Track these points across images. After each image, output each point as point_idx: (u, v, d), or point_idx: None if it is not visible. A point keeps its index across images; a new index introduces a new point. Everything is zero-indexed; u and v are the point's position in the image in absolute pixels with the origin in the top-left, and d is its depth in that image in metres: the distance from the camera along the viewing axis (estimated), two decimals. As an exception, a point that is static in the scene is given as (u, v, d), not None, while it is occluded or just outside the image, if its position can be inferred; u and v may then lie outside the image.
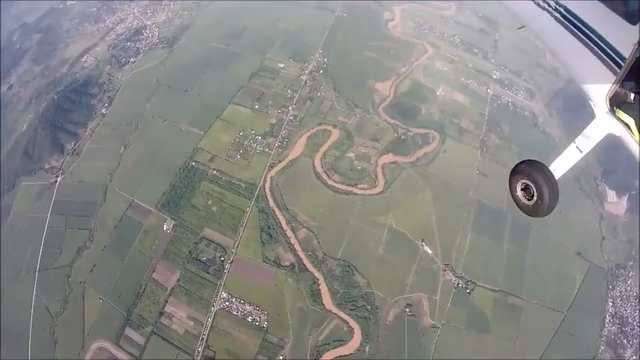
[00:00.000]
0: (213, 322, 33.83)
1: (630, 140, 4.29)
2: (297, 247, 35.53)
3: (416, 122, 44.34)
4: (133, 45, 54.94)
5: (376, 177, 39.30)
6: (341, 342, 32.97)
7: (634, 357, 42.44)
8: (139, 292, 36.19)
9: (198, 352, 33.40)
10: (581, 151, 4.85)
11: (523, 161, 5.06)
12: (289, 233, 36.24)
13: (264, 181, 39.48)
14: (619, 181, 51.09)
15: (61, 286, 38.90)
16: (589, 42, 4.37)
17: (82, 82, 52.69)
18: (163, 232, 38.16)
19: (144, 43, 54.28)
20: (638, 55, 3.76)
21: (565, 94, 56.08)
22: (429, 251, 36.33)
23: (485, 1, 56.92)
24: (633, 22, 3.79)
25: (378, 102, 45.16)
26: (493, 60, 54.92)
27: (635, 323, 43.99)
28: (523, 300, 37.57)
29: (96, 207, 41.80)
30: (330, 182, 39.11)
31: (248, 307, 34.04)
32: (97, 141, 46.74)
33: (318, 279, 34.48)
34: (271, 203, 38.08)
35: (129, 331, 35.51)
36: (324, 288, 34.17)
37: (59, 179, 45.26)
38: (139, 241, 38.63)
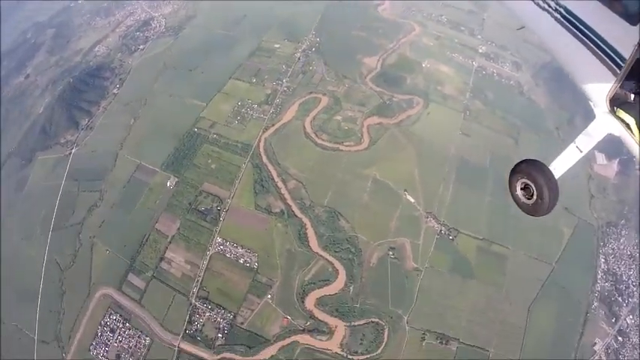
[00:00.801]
0: (208, 264, 39.42)
1: (630, 140, 4.54)
2: (286, 196, 41.65)
3: (401, 90, 51.11)
4: (141, 34, 65.67)
5: (362, 136, 45.77)
6: (326, 282, 37.85)
7: (630, 316, 44.30)
8: (142, 242, 42.51)
9: (193, 293, 38.82)
10: (581, 151, 5.11)
11: (523, 161, 5.34)
12: (280, 184, 42.47)
13: (259, 141, 46.50)
14: (608, 145, 54.71)
15: (72, 243, 45.91)
16: (589, 42, 4.61)
17: (96, 67, 63.23)
18: (167, 189, 45.15)
19: (152, 32, 64.99)
20: (638, 56, 3.98)
21: (552, 67, 61.47)
22: (412, 200, 41.43)
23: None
24: (633, 23, 4.01)
25: (365, 73, 52.62)
26: (479, 36, 62.00)
27: (630, 282, 46.18)
28: (508, 249, 41.52)
29: (106, 172, 49.65)
30: (318, 141, 45.82)
31: (240, 250, 39.65)
32: (109, 116, 55.71)
33: (305, 224, 40.16)
34: (264, 160, 44.76)
35: (131, 277, 41.58)
36: (310, 232, 39.67)
37: (73, 151, 53.86)
38: (145, 197, 45.67)
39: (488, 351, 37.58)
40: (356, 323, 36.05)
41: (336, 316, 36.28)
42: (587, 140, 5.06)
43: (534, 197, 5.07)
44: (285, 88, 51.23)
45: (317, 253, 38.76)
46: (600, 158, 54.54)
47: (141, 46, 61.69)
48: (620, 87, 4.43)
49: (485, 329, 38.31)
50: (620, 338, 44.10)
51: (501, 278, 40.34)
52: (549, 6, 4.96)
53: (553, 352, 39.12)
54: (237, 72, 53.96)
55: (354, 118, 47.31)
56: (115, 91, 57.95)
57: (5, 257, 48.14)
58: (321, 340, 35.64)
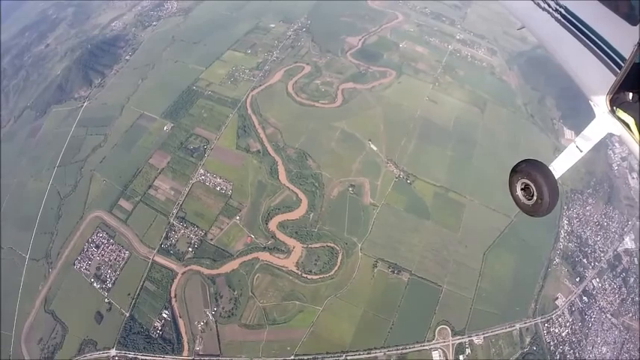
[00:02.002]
0: (189, 191, 49.21)
1: (630, 140, 4.87)
2: (264, 139, 52.85)
3: (377, 63, 63.64)
4: (155, 13, 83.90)
5: (336, 96, 57.61)
6: (289, 209, 47.33)
7: (597, 279, 49.43)
8: (135, 174, 53.39)
9: (173, 214, 48.37)
10: (581, 151, 5.48)
11: (523, 161, 5.71)
12: (260, 130, 53.76)
13: (247, 97, 58.70)
14: (580, 124, 62.89)
15: (74, 175, 57.75)
16: (589, 42, 4.97)
17: (112, 37, 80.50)
18: (163, 132, 57.35)
19: (164, 12, 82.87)
20: (638, 56, 4.24)
21: (529, 55, 72.44)
22: (374, 148, 51.29)
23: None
24: (633, 23, 4.27)
25: (346, 49, 66.35)
26: (459, 26, 75.18)
27: (596, 247, 51.82)
28: (465, 198, 49.51)
29: (113, 120, 62.28)
30: (297, 99, 58.00)
31: (218, 180, 49.99)
32: (120, 77, 70.57)
33: (277, 161, 50.78)
34: (249, 111, 56.78)
35: (121, 202, 52.05)
36: (281, 168, 49.98)
37: (85, 104, 67.60)
38: (143, 139, 57.86)
39: (441, 286, 44.40)
40: (312, 246, 44.63)
41: (294, 238, 45.18)
42: (586, 140, 5.48)
43: (534, 197, 5.47)
44: (275, 58, 65.21)
45: (284, 184, 48.94)
46: (569, 134, 63.00)
47: (154, 23, 79.71)
48: (620, 86, 4.75)
49: (438, 266, 45.58)
50: (585, 299, 49.69)
51: (457, 223, 48.39)
52: (549, 6, 5.43)
53: (510, 298, 45.72)
54: (235, 45, 68.84)
55: (331, 82, 59.69)
56: (127, 57, 74.28)
57: (11, 193, 60.09)
58: (279, 257, 44.09)
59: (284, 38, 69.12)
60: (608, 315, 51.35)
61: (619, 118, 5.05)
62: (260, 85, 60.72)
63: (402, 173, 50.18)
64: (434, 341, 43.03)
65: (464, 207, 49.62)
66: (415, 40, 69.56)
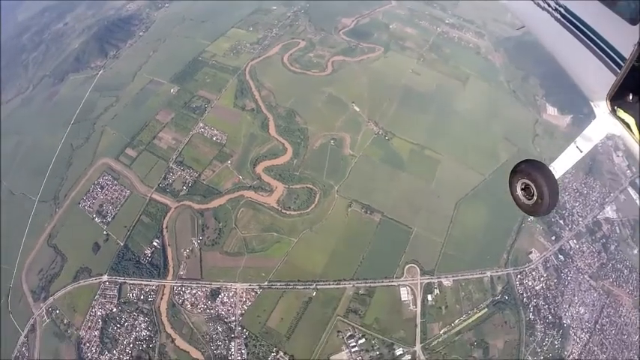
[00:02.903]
0: (189, 140, 58.09)
1: (630, 140, 5.17)
2: (258, 99, 62.96)
3: (367, 41, 73.02)
4: None
5: (326, 66, 67.86)
6: (276, 156, 55.93)
7: (575, 241, 54.34)
8: (142, 127, 63.23)
9: (172, 159, 57.28)
10: (581, 151, 5.88)
11: (523, 161, 6.16)
12: (255, 92, 63.86)
13: (246, 66, 68.92)
14: (563, 101, 69.29)
15: (87, 130, 68.13)
16: (589, 42, 5.29)
17: (127, 16, 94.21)
18: (170, 94, 68.54)
19: None
20: (638, 55, 4.48)
21: (517, 40, 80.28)
22: (357, 109, 59.74)
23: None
24: (633, 23, 4.55)
25: (340, 28, 76.98)
26: (449, 12, 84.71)
27: (574, 211, 56.88)
28: (441, 155, 56.73)
29: (125, 85, 73.27)
30: (291, 68, 68.77)
31: (215, 132, 59.63)
32: (133, 50, 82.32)
33: (268, 117, 60.28)
34: (247, 77, 67.40)
35: (128, 150, 61.56)
36: (271, 123, 59.34)
37: (100, 72, 79.23)
38: (151, 100, 68.40)
39: (411, 228, 50.98)
40: (293, 186, 52.91)
41: (278, 180, 53.84)
42: (587, 140, 5.85)
43: (534, 197, 5.84)
44: (274, 35, 76.86)
45: (273, 136, 58.33)
46: (551, 110, 69.38)
47: (166, 5, 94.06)
48: (620, 86, 5.01)
49: (410, 211, 52.80)
50: (562, 257, 54.57)
51: (431, 176, 56.10)
52: (549, 6, 5.76)
53: (481, 247, 52.18)
54: (239, 23, 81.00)
55: (323, 55, 70.33)
56: (140, 34, 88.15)
57: (27, 147, 70.74)
58: (262, 195, 52.52)
59: (283, 18, 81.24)
60: (586, 276, 56.24)
61: (619, 118, 5.39)
62: (259, 57, 72.09)
63: (381, 131, 58.92)
64: (402, 278, 49.19)
65: (438, 163, 57.27)
66: (405, 22, 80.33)
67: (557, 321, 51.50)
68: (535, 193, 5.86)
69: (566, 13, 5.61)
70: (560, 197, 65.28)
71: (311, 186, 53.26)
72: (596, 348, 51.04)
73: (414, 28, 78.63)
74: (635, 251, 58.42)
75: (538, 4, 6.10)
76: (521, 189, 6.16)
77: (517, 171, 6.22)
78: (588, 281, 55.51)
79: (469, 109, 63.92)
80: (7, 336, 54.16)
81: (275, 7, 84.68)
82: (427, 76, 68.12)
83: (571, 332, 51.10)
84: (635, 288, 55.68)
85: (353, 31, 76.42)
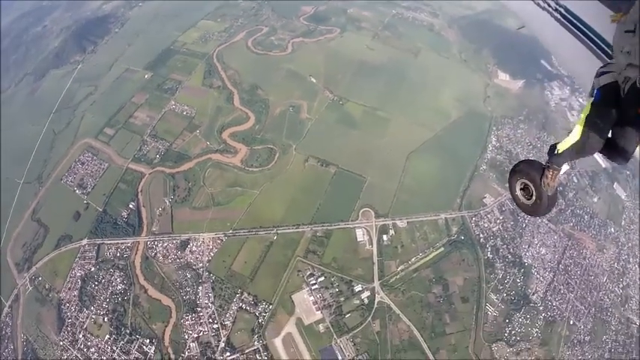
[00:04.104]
0: (161, 117, 67.65)
1: None
2: (224, 78, 74.73)
3: (325, 24, 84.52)
4: None
5: (286, 47, 79.61)
6: (240, 123, 65.66)
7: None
8: (119, 109, 72.97)
9: (147, 133, 66.58)
10: None
11: (522, 161, 6.50)
12: (222, 72, 75.20)
13: (213, 52, 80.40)
14: (515, 69, 79.84)
15: (68, 117, 77.69)
16: (589, 42, 5.60)
17: (103, 15, 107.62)
18: (144, 79, 79.39)
19: None
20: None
21: (471, 19, 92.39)
22: (314, 81, 70.37)
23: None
24: None
25: (300, 15, 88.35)
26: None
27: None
28: (392, 114, 66.73)
29: (103, 75, 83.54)
30: (254, 50, 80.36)
31: (185, 107, 70.85)
32: (110, 44, 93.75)
33: (233, 92, 71.74)
34: (215, 61, 78.31)
35: (106, 129, 70.91)
36: (236, 97, 70.57)
37: (79, 66, 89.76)
38: (127, 85, 78.76)
39: (365, 178, 60.26)
40: (255, 147, 62.89)
41: (242, 143, 64.16)
42: None
43: (533, 197, 6.13)
44: (239, 24, 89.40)
45: (237, 107, 68.87)
46: (503, 75, 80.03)
47: (140, 4, 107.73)
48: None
49: (363, 163, 63.45)
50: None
51: (383, 133, 66.98)
52: (549, 6, 6.02)
53: (434, 192, 60.98)
54: (207, 16, 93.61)
55: (283, 38, 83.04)
56: (116, 30, 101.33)
57: (11, 137, 79.95)
58: (227, 157, 62.34)
59: (249, 9, 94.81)
60: (544, 220, 63.65)
61: None
62: (225, 43, 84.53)
63: (335, 97, 70.09)
64: (357, 221, 57.56)
65: (389, 121, 68.47)
66: (363, 7, 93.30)
67: (518, 260, 58.53)
68: (534, 193, 6.30)
69: (566, 13, 5.99)
70: (513, 149, 74.84)
71: (271, 146, 63.91)
72: (562, 287, 57.44)
73: (370, 12, 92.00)
74: (595, 199, 67.14)
75: (538, 4, 6.49)
76: (520, 189, 6.61)
77: (516, 171, 6.71)
78: (547, 224, 63.35)
79: (419, 75, 75.34)
80: (-7, 311, 61.80)
81: (241, 2, 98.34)
82: (380, 51, 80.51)
83: (533, 271, 57.89)
84: (597, 233, 63.29)
85: (312, 17, 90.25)
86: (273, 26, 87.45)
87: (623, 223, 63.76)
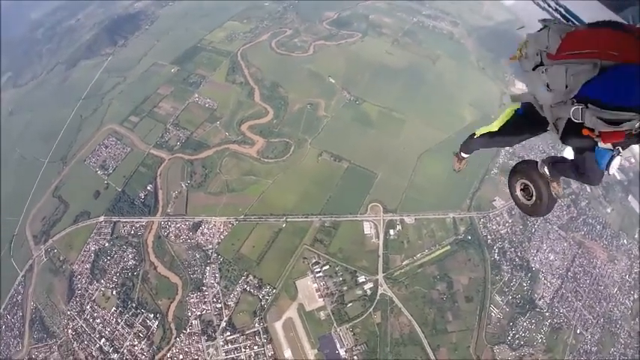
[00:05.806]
0: (185, 107, 77.26)
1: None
2: (247, 75, 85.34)
3: (347, 29, 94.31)
4: None
5: (308, 49, 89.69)
6: (259, 117, 74.13)
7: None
8: (145, 99, 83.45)
9: (170, 122, 76.05)
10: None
11: (522, 161, 6.91)
12: (245, 70, 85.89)
13: (238, 50, 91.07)
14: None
15: (96, 104, 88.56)
16: None
17: (134, 13, 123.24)
18: (170, 73, 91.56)
19: None
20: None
21: (490, 29, 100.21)
22: (333, 81, 78.98)
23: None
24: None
25: (323, 19, 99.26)
26: (427, 4, 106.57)
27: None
28: (407, 116, 74.80)
29: (131, 68, 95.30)
30: (277, 51, 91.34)
31: (208, 100, 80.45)
32: (140, 40, 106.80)
33: (254, 88, 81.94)
34: (239, 58, 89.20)
35: (131, 117, 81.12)
36: (257, 93, 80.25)
37: (109, 58, 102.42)
38: (154, 78, 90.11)
39: (376, 174, 67.55)
40: (272, 140, 71.21)
41: (259, 135, 73.14)
42: None
43: (533, 198, 6.56)
44: (264, 25, 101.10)
45: (257, 102, 78.25)
46: (520, 85, 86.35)
47: (170, 3, 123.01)
48: None
49: (375, 160, 71.33)
50: None
51: (398, 133, 74.86)
52: (549, 6, 6.25)
53: (443, 192, 66.68)
54: (234, 17, 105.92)
55: (306, 40, 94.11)
56: (146, 27, 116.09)
57: (41, 120, 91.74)
58: (244, 147, 70.85)
59: (274, 12, 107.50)
60: (554, 227, 68.14)
61: None
62: (250, 43, 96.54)
63: (352, 97, 78.92)
64: (366, 215, 63.64)
65: (405, 122, 76.93)
66: (384, 13, 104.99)
67: (525, 264, 62.90)
68: (534, 194, 6.56)
69: (566, 14, 6.27)
70: (526, 155, 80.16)
71: (288, 140, 73.28)
72: (570, 295, 61.21)
73: (392, 18, 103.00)
74: (609, 210, 71.97)
75: (538, 4, 6.72)
76: (521, 189, 6.85)
77: (516, 171, 6.95)
78: (557, 231, 67.90)
79: (437, 80, 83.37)
80: (8, 278, 70.27)
81: (268, 4, 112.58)
82: (399, 56, 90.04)
83: (540, 276, 62.01)
84: (609, 243, 67.38)
85: (335, 21, 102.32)
86: (296, 29, 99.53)
87: (636, 236, 67.72)
